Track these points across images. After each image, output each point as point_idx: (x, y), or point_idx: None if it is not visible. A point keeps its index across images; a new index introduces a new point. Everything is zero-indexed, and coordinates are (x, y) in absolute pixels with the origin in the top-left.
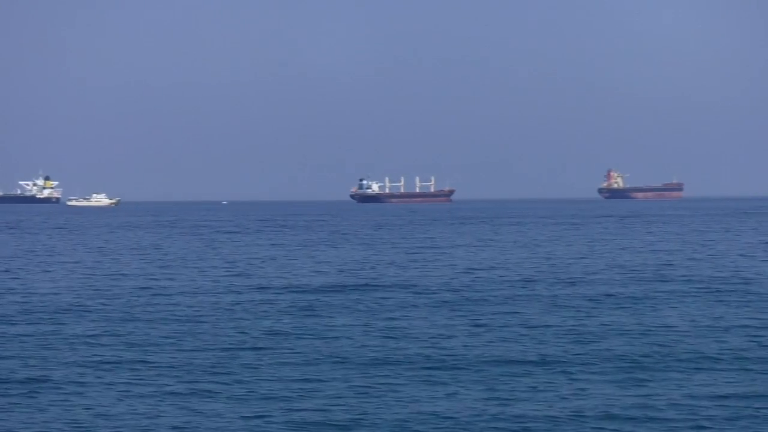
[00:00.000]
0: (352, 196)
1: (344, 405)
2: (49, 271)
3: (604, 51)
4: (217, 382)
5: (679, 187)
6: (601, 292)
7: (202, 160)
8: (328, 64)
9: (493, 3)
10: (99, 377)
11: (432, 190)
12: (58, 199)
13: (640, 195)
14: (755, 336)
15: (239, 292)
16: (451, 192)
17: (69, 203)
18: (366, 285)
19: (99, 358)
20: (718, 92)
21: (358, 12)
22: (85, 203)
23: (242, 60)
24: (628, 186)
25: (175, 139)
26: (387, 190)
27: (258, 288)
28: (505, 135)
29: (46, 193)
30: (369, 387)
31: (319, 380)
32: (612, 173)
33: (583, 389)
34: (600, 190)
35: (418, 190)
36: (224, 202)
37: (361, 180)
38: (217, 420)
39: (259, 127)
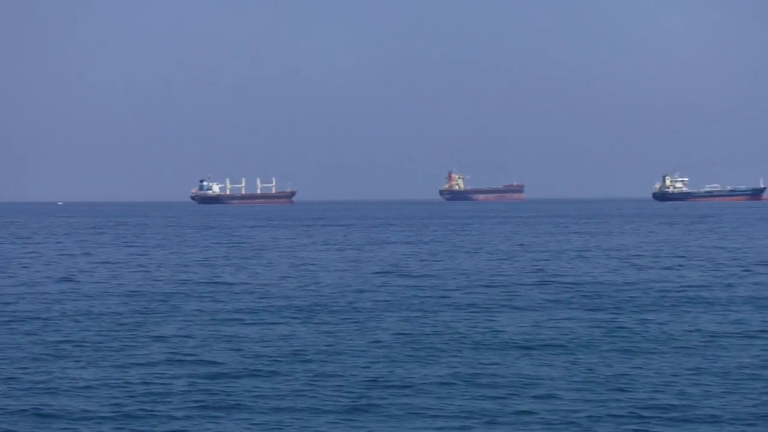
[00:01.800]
0: (192, 198)
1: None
2: None
3: (458, 57)
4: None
5: (519, 189)
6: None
7: (41, 159)
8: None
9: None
10: None
11: (273, 191)
12: None
13: (481, 196)
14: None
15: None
16: (293, 194)
17: None
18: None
19: None
20: (560, 97)
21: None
22: None
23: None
24: (469, 188)
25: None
26: (228, 192)
27: (87, 293)
28: (348, 136)
29: None
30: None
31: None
32: (453, 175)
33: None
34: (441, 192)
35: (259, 192)
36: (60, 203)
37: (201, 181)
38: None
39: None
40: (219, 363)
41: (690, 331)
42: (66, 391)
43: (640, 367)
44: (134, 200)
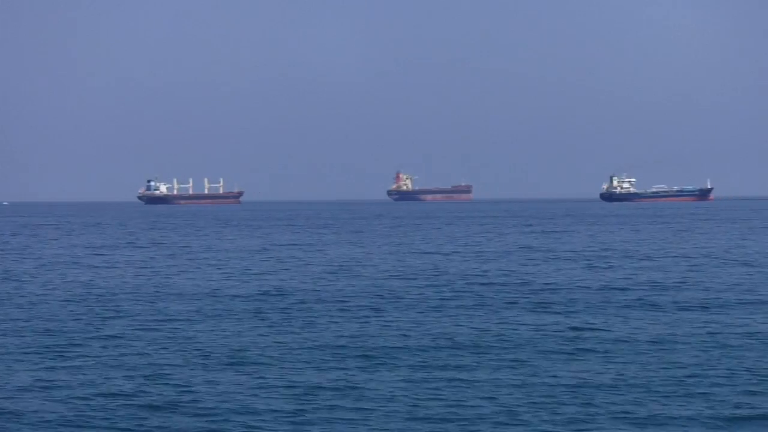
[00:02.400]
0: (139, 198)
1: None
2: None
3: (406, 57)
4: None
5: (467, 190)
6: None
7: None
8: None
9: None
10: None
11: (221, 191)
12: None
13: (429, 197)
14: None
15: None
16: (240, 194)
17: None
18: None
19: None
20: (508, 98)
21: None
22: None
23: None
24: (417, 188)
25: None
26: (175, 192)
27: (35, 294)
28: (295, 136)
29: None
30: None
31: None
32: (401, 175)
33: None
34: (389, 192)
35: (207, 192)
36: (5, 203)
37: (149, 181)
38: None
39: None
40: (164, 363)
41: (637, 332)
42: (10, 391)
43: (588, 369)
44: (80, 200)
